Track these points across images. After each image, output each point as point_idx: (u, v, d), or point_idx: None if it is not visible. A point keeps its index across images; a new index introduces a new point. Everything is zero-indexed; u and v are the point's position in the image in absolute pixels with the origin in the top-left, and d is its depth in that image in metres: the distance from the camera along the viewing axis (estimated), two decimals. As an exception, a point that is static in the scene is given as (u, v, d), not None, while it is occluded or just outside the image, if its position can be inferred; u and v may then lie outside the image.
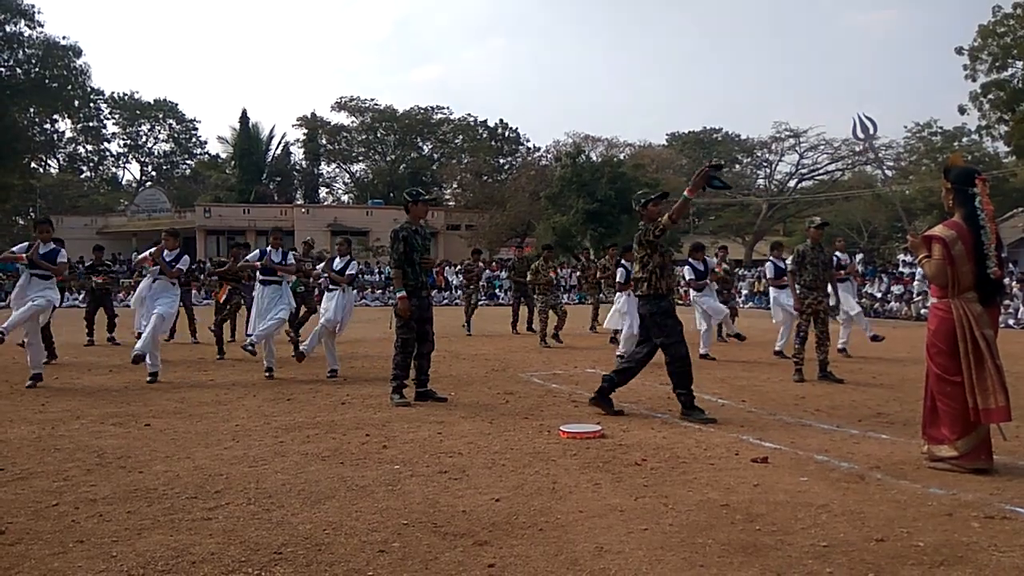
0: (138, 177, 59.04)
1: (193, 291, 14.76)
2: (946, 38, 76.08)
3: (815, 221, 8.71)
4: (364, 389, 7.41)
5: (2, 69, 33.34)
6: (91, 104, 48.78)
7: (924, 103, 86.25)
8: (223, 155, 54.50)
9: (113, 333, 12.33)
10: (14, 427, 5.54)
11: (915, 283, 22.78)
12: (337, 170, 58.84)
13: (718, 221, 48.01)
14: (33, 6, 33.25)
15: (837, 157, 44.73)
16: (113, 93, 54.79)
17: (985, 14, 28.63)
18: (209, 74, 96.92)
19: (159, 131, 58.66)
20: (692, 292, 10.86)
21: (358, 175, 57.81)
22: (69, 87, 36.21)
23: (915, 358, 9.32)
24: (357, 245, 33.20)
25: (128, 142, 58.33)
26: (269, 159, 52.93)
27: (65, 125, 49.00)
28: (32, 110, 37.76)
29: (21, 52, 33.60)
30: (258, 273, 8.50)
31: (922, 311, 20.32)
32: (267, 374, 8.23)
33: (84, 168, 57.11)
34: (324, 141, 55.61)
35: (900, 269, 26.19)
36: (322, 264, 9.83)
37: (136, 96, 56.53)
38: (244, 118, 49.55)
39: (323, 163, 58.21)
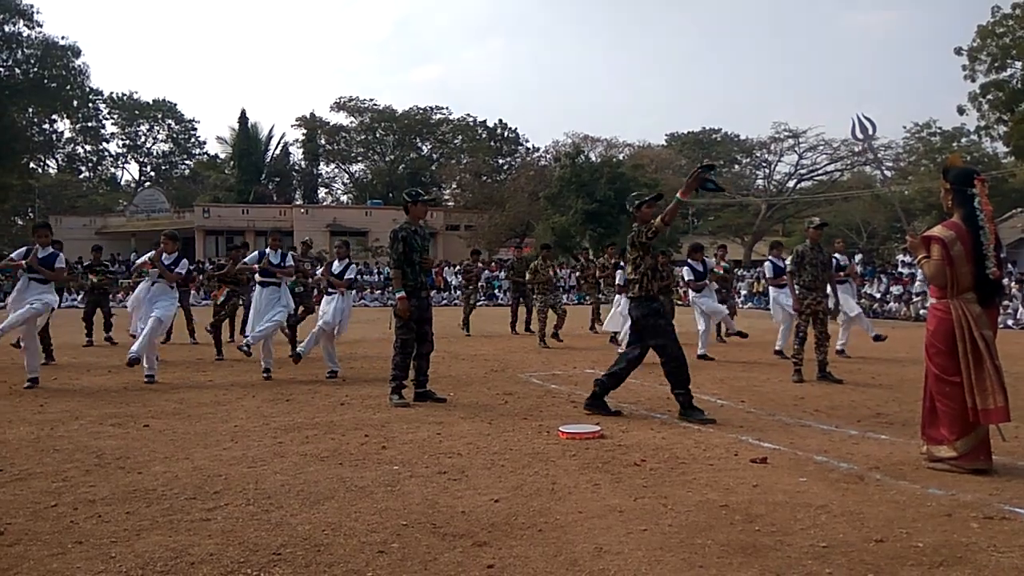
0: (137, 177, 59.14)
1: (192, 291, 14.76)
2: (945, 38, 75.93)
3: (814, 221, 8.72)
4: (363, 390, 7.41)
5: (1, 69, 33.32)
6: (90, 104, 48.69)
7: (923, 103, 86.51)
8: (222, 155, 54.63)
9: (110, 333, 12.36)
10: (13, 428, 5.53)
11: (917, 283, 22.79)
12: (336, 170, 58.93)
13: (717, 221, 48.03)
14: (32, 6, 33.31)
15: (836, 157, 44.77)
16: (112, 93, 54.94)
17: (984, 14, 28.72)
18: (208, 74, 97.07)
19: (158, 131, 58.70)
20: (691, 293, 10.87)
21: (357, 175, 57.86)
22: (68, 87, 36.16)
23: (914, 358, 9.32)
24: (356, 246, 33.19)
25: (127, 142, 58.36)
26: (268, 159, 52.96)
27: (64, 125, 49.14)
28: (31, 110, 37.73)
29: (20, 52, 33.59)
30: (257, 274, 8.50)
31: (921, 311, 20.34)
32: (265, 375, 8.22)
33: (83, 168, 57.12)
34: (323, 141, 55.63)
35: (899, 270, 26.21)
36: (320, 269, 9.83)
37: (135, 96, 56.64)
38: (243, 118, 49.68)
39: (322, 163, 58.28)
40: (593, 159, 37.93)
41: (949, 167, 4.59)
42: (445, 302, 29.13)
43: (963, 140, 38.41)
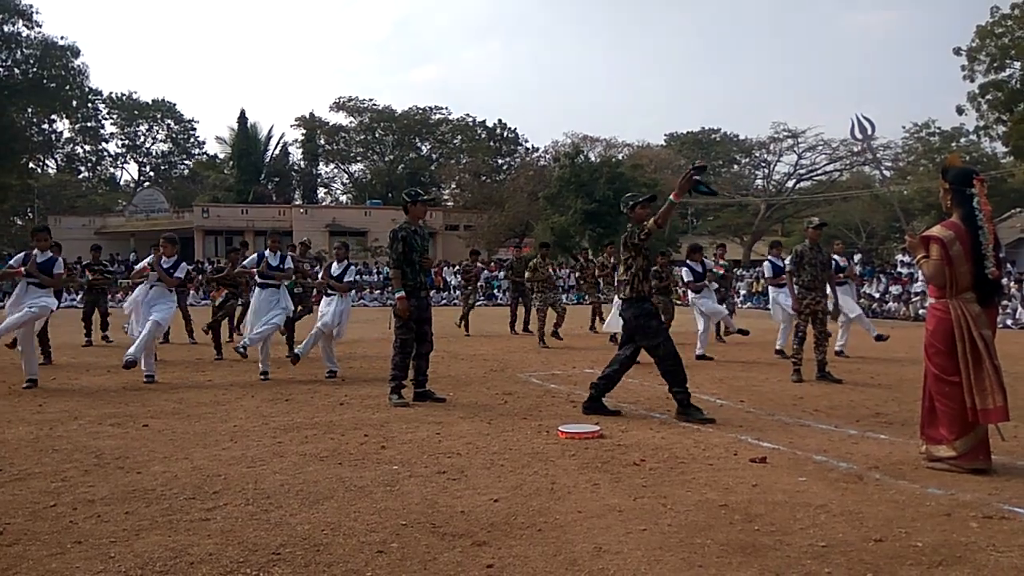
0: (136, 177, 59.07)
1: (190, 292, 14.76)
2: (944, 39, 76.37)
3: (813, 221, 8.72)
4: (362, 389, 7.41)
5: (0, 69, 33.31)
6: (89, 104, 48.69)
7: (922, 103, 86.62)
8: (221, 155, 54.61)
9: (107, 332, 12.37)
10: (12, 428, 5.53)
11: (917, 283, 22.80)
12: (335, 170, 58.94)
13: (716, 221, 48.07)
14: (31, 6, 33.34)
15: (835, 157, 44.80)
16: (111, 93, 54.87)
17: (983, 15, 28.76)
18: (207, 74, 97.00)
19: (157, 131, 58.68)
20: (690, 293, 10.87)
21: (356, 175, 57.87)
22: (67, 87, 36.18)
23: (913, 358, 9.33)
24: (356, 246, 33.19)
25: (126, 142, 58.32)
26: (267, 159, 52.95)
27: (63, 125, 49.19)
28: (30, 110, 37.75)
29: (19, 52, 33.60)
30: (256, 276, 8.49)
31: (920, 311, 20.35)
32: (262, 377, 8.20)
33: (82, 168, 57.07)
34: (322, 141, 55.62)
35: (898, 269, 26.24)
36: (320, 268, 9.82)
37: (134, 96, 56.58)
38: (242, 118, 49.66)
39: (321, 163, 58.28)
40: (592, 159, 37.96)
41: (948, 167, 4.59)
42: (444, 302, 29.12)
43: (962, 140, 38.46)
